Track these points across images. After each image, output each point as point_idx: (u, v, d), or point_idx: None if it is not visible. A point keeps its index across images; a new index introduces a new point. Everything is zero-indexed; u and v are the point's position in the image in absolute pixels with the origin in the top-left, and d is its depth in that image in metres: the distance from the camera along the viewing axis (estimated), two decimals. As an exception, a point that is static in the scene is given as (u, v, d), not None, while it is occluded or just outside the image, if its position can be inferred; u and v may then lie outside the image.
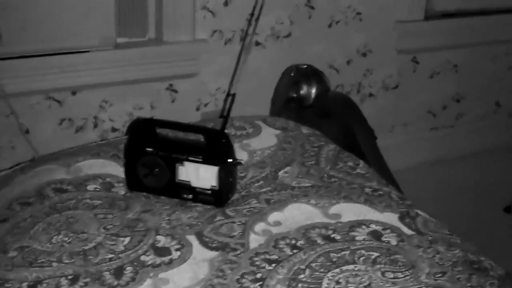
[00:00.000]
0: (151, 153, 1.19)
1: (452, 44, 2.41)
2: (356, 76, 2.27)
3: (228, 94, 1.99)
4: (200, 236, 1.08)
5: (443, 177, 2.48)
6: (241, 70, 1.21)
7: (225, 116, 1.25)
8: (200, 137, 1.19)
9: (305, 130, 1.47)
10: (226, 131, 1.23)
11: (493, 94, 2.62)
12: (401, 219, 1.16)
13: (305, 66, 1.77)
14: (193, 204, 1.18)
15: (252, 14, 1.85)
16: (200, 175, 1.17)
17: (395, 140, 2.43)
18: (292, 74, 1.77)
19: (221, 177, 1.16)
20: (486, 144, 2.61)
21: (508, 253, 1.74)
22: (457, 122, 2.57)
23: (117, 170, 1.27)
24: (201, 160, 1.17)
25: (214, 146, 1.17)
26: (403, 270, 1.03)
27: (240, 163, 1.21)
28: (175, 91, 1.99)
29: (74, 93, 1.86)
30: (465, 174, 2.50)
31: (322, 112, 1.71)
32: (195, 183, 1.18)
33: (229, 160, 1.17)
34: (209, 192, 1.17)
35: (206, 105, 2.04)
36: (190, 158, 1.17)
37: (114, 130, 1.94)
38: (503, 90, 2.63)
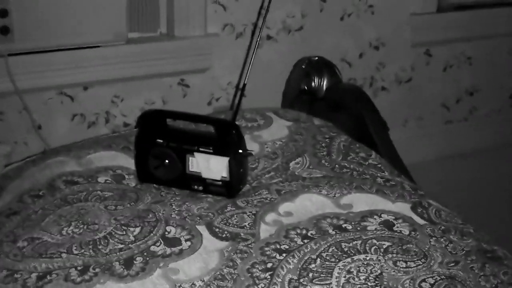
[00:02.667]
0: (161, 145, 1.19)
1: (466, 37, 2.39)
2: (368, 70, 2.26)
3: (237, 86, 1.99)
4: (210, 226, 1.08)
5: (458, 171, 2.46)
6: (251, 63, 1.20)
7: (235, 107, 1.24)
8: (211, 129, 1.18)
9: (317, 121, 1.46)
10: (237, 122, 1.22)
11: (508, 87, 2.59)
12: (413, 209, 1.15)
13: (316, 58, 1.77)
14: (203, 195, 1.18)
15: (263, 8, 1.85)
16: (211, 166, 1.16)
17: (408, 134, 2.41)
18: (304, 66, 1.76)
19: (232, 168, 1.15)
20: (501, 137, 2.59)
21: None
22: (471, 116, 2.55)
23: (128, 162, 1.27)
24: (211, 151, 1.16)
25: (225, 137, 1.16)
26: (415, 259, 1.02)
27: (251, 154, 1.20)
28: (187, 86, 1.98)
29: (85, 88, 1.86)
30: (480, 168, 2.48)
31: (334, 104, 1.70)
32: (205, 174, 1.17)
33: (240, 151, 1.17)
34: (220, 183, 1.16)
35: (217, 99, 2.03)
36: (200, 149, 1.16)
37: (126, 125, 1.94)
38: (518, 83, 2.60)
